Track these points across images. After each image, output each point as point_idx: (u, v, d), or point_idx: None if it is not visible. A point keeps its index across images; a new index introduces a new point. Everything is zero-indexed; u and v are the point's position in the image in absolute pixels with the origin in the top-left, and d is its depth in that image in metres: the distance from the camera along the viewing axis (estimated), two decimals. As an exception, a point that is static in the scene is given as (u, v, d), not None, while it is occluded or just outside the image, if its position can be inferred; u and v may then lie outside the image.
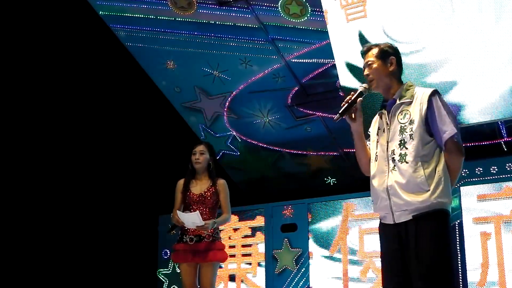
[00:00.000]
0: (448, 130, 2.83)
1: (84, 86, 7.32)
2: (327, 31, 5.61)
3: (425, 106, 2.85)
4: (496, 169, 5.53)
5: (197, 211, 4.27)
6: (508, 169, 5.48)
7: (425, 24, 5.10)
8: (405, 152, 2.82)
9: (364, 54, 3.04)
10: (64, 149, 7.35)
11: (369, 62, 2.98)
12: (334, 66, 5.99)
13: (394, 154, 2.85)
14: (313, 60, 6.30)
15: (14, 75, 6.80)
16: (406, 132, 2.84)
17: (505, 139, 5.97)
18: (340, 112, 2.90)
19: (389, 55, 3.00)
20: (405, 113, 2.89)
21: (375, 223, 5.82)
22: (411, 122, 2.85)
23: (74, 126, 7.39)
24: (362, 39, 5.24)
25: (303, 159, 7.28)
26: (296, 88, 6.67)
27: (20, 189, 6.97)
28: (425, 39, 5.09)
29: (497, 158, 5.64)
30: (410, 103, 2.89)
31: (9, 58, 6.66)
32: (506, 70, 4.87)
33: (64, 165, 7.36)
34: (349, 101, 2.91)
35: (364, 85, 2.96)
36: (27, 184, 7.03)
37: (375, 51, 3.00)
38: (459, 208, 5.50)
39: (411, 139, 2.82)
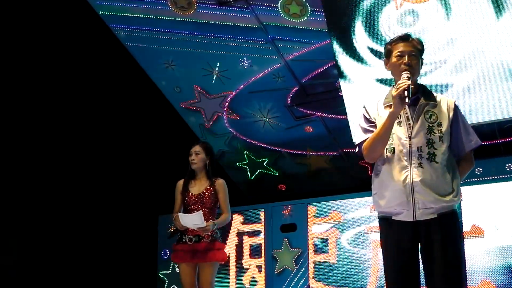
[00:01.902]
0: (474, 140, 2.95)
1: (84, 86, 7.32)
2: (327, 31, 5.62)
3: (452, 113, 2.92)
4: (496, 169, 5.53)
5: (200, 211, 4.28)
6: (508, 169, 5.49)
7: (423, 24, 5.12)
8: (434, 152, 2.85)
9: (406, 40, 2.98)
10: (64, 149, 7.35)
11: (414, 53, 2.94)
12: (333, 66, 6.01)
13: (421, 151, 2.85)
14: (313, 60, 6.30)
15: (14, 75, 6.80)
16: (435, 133, 2.87)
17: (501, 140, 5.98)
18: (408, 97, 2.79)
19: (422, 55, 3.02)
20: (431, 114, 2.91)
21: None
22: (439, 124, 2.89)
23: (74, 126, 7.39)
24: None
25: (303, 159, 7.29)
26: (296, 88, 6.67)
27: (21, 189, 6.97)
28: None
29: (497, 158, 5.65)
30: (434, 106, 2.93)
31: (9, 58, 6.66)
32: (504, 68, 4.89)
33: (64, 165, 7.36)
34: (409, 85, 2.81)
35: (408, 72, 2.88)
36: (27, 185, 7.03)
37: (419, 45, 2.99)
38: (459, 208, 5.51)
39: (440, 141, 2.86)
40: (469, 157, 3.00)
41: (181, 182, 4.58)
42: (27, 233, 7.09)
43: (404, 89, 2.79)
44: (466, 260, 5.18)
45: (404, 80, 2.83)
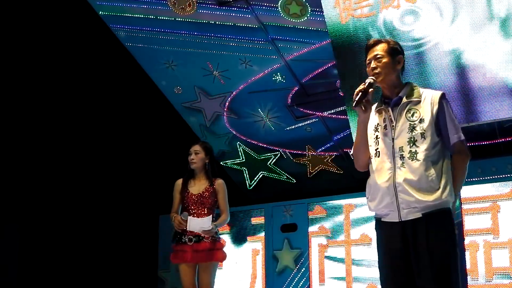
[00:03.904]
0: (458, 133, 2.89)
1: (84, 86, 7.34)
2: (327, 31, 5.62)
3: (436, 107, 2.88)
4: (496, 169, 5.53)
5: (210, 216, 4.31)
6: (508, 169, 5.48)
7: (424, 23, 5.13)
8: (416, 150, 2.82)
9: (370, 47, 3.00)
10: (65, 149, 7.36)
11: (378, 56, 2.95)
12: (334, 66, 6.01)
13: (402, 151, 2.84)
14: (313, 60, 6.30)
15: (14, 75, 6.81)
16: (416, 131, 2.85)
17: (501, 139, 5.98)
18: (354, 103, 2.85)
19: (398, 53, 3.00)
20: (414, 112, 2.89)
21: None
22: (421, 121, 2.86)
23: (74, 126, 7.40)
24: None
25: (303, 159, 7.29)
26: (296, 88, 6.67)
27: (21, 189, 6.98)
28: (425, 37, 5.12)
29: (497, 158, 5.64)
30: (418, 102, 2.91)
31: (10, 58, 6.67)
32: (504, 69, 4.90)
33: (64, 165, 7.37)
34: (362, 91, 2.86)
35: (372, 77, 2.92)
36: (27, 185, 7.04)
37: (384, 46, 2.98)
38: (459, 208, 5.49)
39: (422, 138, 2.84)
40: (461, 148, 2.90)
41: (179, 181, 4.57)
42: (28, 233, 7.10)
43: (356, 94, 2.84)
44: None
45: (359, 86, 2.87)
